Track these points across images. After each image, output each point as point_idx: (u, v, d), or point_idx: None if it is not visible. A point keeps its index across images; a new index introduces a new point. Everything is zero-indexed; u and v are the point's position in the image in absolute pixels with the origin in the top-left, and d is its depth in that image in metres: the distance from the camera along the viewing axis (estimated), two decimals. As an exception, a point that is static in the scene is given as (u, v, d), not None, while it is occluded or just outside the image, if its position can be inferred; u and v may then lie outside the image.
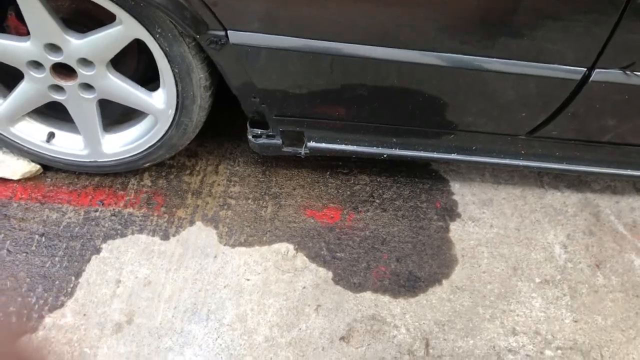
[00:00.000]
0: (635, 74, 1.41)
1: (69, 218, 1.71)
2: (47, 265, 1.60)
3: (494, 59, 1.39)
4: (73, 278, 1.58)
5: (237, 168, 1.91)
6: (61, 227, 1.69)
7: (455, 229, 1.81)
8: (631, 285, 1.72)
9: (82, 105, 1.58)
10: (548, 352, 1.55)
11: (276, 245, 1.71)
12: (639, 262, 1.78)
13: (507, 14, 1.28)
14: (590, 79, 1.41)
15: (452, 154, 1.73)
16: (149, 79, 1.66)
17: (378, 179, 1.93)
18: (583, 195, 1.96)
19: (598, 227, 1.86)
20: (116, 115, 1.75)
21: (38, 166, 1.79)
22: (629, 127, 1.61)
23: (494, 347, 1.55)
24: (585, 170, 1.78)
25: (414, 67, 1.43)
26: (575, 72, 1.41)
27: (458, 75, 1.44)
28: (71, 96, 1.56)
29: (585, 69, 1.40)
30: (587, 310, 1.65)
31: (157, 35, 1.38)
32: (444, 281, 1.68)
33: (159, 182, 1.84)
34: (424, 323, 1.58)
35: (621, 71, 1.40)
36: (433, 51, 1.38)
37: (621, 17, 1.26)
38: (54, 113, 1.71)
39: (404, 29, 1.33)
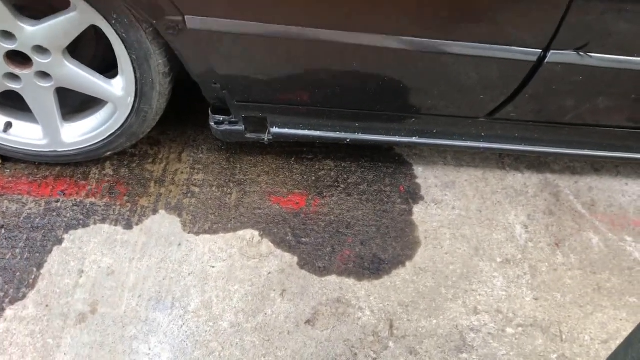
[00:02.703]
0: (589, 55, 1.44)
1: (30, 209, 1.69)
2: (8, 257, 1.57)
3: (452, 42, 1.40)
4: (35, 269, 1.56)
5: (201, 155, 1.90)
6: (21, 219, 1.66)
7: (419, 212, 1.83)
8: (589, 262, 1.76)
9: (39, 94, 1.55)
10: (509, 330, 1.59)
11: (241, 232, 1.71)
12: (597, 240, 1.83)
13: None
14: (546, 60, 1.44)
15: (414, 138, 1.75)
16: (108, 66, 1.64)
17: (343, 164, 1.94)
18: (543, 176, 2.00)
19: (558, 207, 1.91)
20: (75, 103, 1.72)
21: (-4, 157, 1.76)
22: (586, 107, 1.64)
23: (456, 326, 1.58)
24: (544, 151, 1.81)
25: (375, 51, 1.43)
26: (531, 53, 1.43)
27: (418, 58, 1.46)
28: (27, 85, 1.53)
29: (541, 51, 1.42)
30: (547, 288, 1.69)
31: (113, 21, 1.37)
32: (407, 263, 1.70)
33: (121, 171, 1.82)
34: (388, 304, 1.60)
35: (575, 52, 1.43)
36: (393, 35, 1.39)
37: (573, -1, 1.29)
38: (10, 102, 1.67)
39: (365, 13, 1.34)
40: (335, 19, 1.36)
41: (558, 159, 2.05)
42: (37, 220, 1.67)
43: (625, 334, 1.59)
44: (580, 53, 1.43)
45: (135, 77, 1.50)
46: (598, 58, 1.45)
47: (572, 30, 1.37)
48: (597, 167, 2.06)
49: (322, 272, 1.65)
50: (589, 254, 1.79)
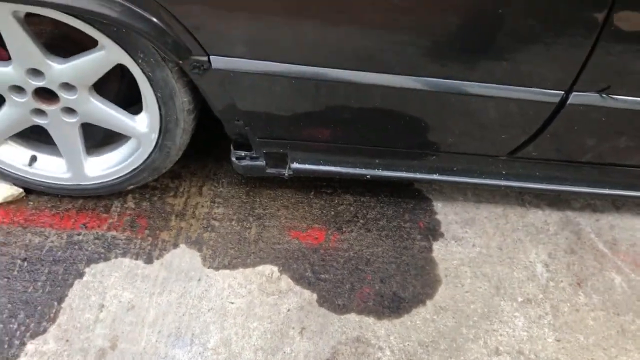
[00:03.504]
0: (611, 97, 1.44)
1: (52, 242, 1.70)
2: (29, 291, 1.58)
3: (474, 83, 1.41)
4: (55, 303, 1.57)
5: (221, 189, 1.91)
6: (44, 252, 1.67)
7: (439, 249, 1.82)
8: (612, 303, 1.74)
9: (64, 129, 1.58)
10: (531, 372, 1.57)
11: (260, 267, 1.71)
12: (619, 280, 1.80)
13: (486, 39, 1.31)
14: (568, 101, 1.44)
15: (434, 175, 1.75)
16: (132, 101, 1.67)
17: (362, 199, 1.94)
18: (564, 213, 1.99)
19: (579, 246, 1.89)
20: (99, 137, 1.74)
21: (20, 189, 1.77)
22: (607, 147, 1.63)
23: (477, 367, 1.56)
24: (565, 190, 1.80)
25: (396, 91, 1.44)
26: (553, 95, 1.43)
27: (439, 98, 1.46)
28: (53, 120, 1.55)
29: (563, 92, 1.43)
30: (569, 329, 1.67)
31: (140, 61, 1.39)
32: (427, 301, 1.69)
33: (142, 204, 1.83)
34: (408, 344, 1.58)
35: (598, 94, 1.43)
36: (415, 76, 1.40)
37: (596, 42, 1.29)
38: (36, 136, 1.70)
39: (386, 54, 1.35)
40: (356, 60, 1.37)
41: (579, 196, 2.03)
42: (59, 253, 1.68)
43: (650, 378, 1.56)
44: (603, 95, 1.43)
45: (160, 114, 1.52)
46: (620, 100, 1.44)
47: (595, 72, 1.37)
48: (618, 204, 2.04)
49: (341, 309, 1.64)
50: (611, 295, 1.76)
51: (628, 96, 1.45)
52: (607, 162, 1.71)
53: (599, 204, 2.04)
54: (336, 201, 1.93)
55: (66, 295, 1.59)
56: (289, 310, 1.62)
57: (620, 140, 1.60)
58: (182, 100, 1.49)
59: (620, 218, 2.00)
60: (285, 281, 1.68)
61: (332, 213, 1.89)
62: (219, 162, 1.99)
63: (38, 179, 1.73)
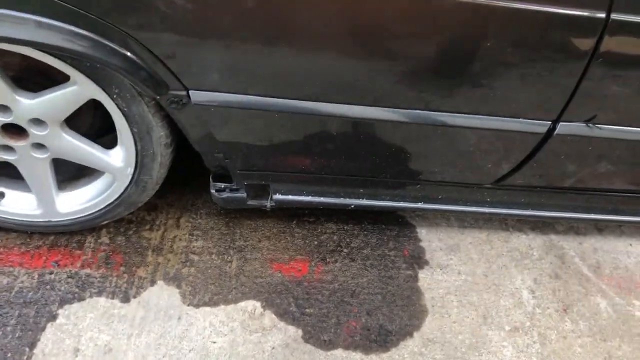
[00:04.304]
0: (597, 127, 1.43)
1: (22, 282, 1.61)
2: (-2, 336, 1.50)
3: (460, 115, 1.39)
4: (27, 349, 1.48)
5: (200, 221, 1.85)
6: (13, 293, 1.59)
7: (424, 278, 1.79)
8: (598, 329, 1.73)
9: (34, 165, 1.50)
10: (522, 404, 1.54)
11: (242, 303, 1.65)
12: (604, 304, 1.80)
13: (475, 71, 1.28)
14: (555, 131, 1.43)
15: (419, 203, 1.72)
16: (104, 132, 1.59)
17: (345, 227, 1.90)
18: (547, 237, 1.98)
19: (564, 270, 1.88)
20: (71, 171, 1.66)
21: (-14, 227, 1.69)
22: (591, 175, 1.63)
23: (468, 402, 1.53)
24: (550, 216, 1.79)
25: (379, 124, 1.41)
26: (541, 125, 1.42)
27: (426, 131, 1.43)
28: (22, 156, 1.48)
29: (550, 122, 1.41)
30: (557, 357, 1.65)
31: (115, 96, 1.33)
32: (415, 333, 1.65)
33: (117, 239, 1.76)
34: (397, 380, 1.54)
35: (584, 124, 1.42)
36: (400, 108, 1.37)
37: (585, 72, 1.27)
38: (3, 171, 1.62)
39: (366, 86, 1.32)
40: (337, 93, 1.33)
41: (563, 221, 2.02)
42: (30, 294, 1.59)
43: (640, 407, 1.55)
44: (589, 124, 1.42)
45: (136, 148, 1.45)
46: (606, 129, 1.44)
47: (583, 101, 1.36)
48: (600, 227, 2.04)
49: (327, 345, 1.59)
50: (597, 320, 1.75)
51: (613, 125, 1.44)
52: (592, 188, 1.70)
53: (581, 226, 2.03)
54: (319, 230, 1.88)
55: (38, 340, 1.50)
56: (273, 348, 1.56)
57: (604, 167, 1.60)
58: (160, 134, 1.43)
59: (604, 240, 1.99)
60: (269, 317, 1.63)
61: (315, 243, 1.84)
62: (196, 192, 1.93)
63: (5, 217, 1.64)
